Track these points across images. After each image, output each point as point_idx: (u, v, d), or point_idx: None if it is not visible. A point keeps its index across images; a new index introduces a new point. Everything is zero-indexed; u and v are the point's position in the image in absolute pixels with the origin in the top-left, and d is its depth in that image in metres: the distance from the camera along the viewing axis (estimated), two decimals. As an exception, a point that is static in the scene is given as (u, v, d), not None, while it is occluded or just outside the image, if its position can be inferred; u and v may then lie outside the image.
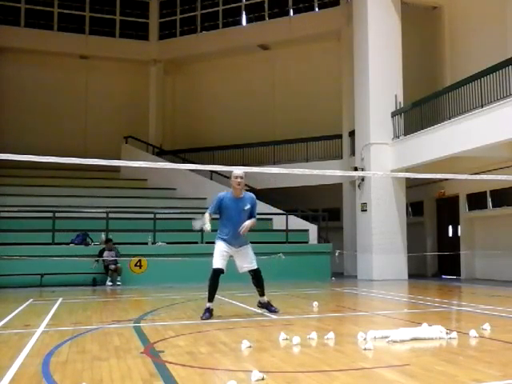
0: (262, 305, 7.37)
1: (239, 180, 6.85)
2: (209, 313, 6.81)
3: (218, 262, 6.85)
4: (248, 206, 6.95)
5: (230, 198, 6.94)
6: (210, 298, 6.87)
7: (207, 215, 6.91)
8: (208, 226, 6.78)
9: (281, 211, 17.66)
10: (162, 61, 23.63)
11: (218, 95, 23.16)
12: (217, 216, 7.08)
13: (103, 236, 14.79)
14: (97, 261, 13.94)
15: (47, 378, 3.77)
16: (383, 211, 15.32)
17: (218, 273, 6.85)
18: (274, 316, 6.97)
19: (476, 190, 15.22)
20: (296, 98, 21.53)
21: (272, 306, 7.30)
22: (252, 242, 7.29)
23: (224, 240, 6.93)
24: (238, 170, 6.92)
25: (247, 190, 7.61)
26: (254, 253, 7.19)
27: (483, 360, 4.19)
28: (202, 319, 6.68)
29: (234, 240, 6.93)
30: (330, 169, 17.62)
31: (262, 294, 7.29)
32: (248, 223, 6.87)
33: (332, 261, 16.07)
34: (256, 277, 7.14)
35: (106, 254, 13.94)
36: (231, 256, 7.05)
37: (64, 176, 19.29)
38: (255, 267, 7.10)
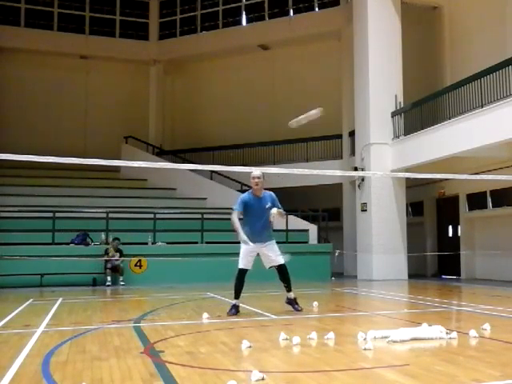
0: (288, 300, 7.52)
1: (256, 180, 7.19)
2: (235, 309, 7.08)
3: (243, 262, 7.15)
4: (269, 204, 7.24)
5: (251, 198, 7.27)
6: (236, 296, 7.17)
7: (235, 216, 7.09)
8: (244, 237, 7.00)
9: (281, 211, 17.63)
10: (161, 61, 23.62)
11: (218, 95, 23.15)
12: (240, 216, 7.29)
13: (103, 236, 14.79)
14: (107, 261, 13.85)
15: (47, 378, 3.77)
16: (383, 211, 15.31)
17: (242, 272, 7.15)
18: (273, 316, 6.98)
19: (476, 189, 15.21)
20: (296, 97, 21.48)
21: (297, 304, 7.45)
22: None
23: (249, 239, 7.10)
24: (255, 171, 7.22)
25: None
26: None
27: (483, 360, 4.19)
28: (229, 315, 6.90)
29: (259, 237, 7.19)
30: (330, 169, 17.62)
31: (289, 289, 7.45)
32: (275, 210, 7.09)
33: (332, 261, 16.07)
34: (281, 272, 7.34)
35: (110, 249, 13.90)
36: (257, 254, 7.28)
37: (64, 176, 19.26)
38: (280, 262, 7.31)
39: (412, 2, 16.62)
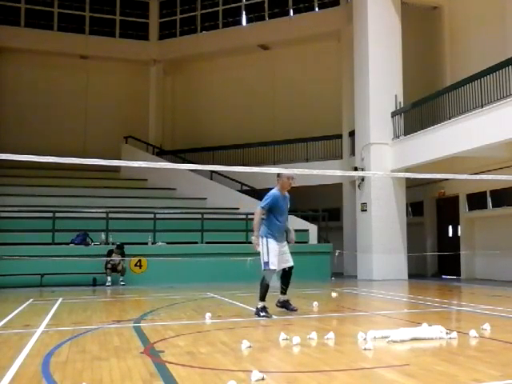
0: (281, 303, 7.50)
1: (291, 181, 7.21)
2: (267, 311, 6.97)
3: (275, 263, 7.05)
4: (289, 204, 7.42)
5: (280, 195, 7.26)
6: (264, 298, 7.02)
7: (259, 215, 7.13)
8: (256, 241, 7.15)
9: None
10: (161, 61, 23.63)
11: (218, 95, 23.16)
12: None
13: (103, 236, 14.79)
14: (108, 262, 13.82)
15: (47, 378, 3.77)
16: (383, 211, 15.31)
17: (274, 273, 7.10)
18: (274, 316, 6.97)
19: (476, 190, 15.21)
20: (296, 97, 21.53)
21: (290, 304, 7.45)
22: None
23: (275, 238, 7.15)
24: (291, 172, 7.34)
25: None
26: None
27: (483, 360, 4.19)
28: (268, 317, 6.79)
29: (281, 236, 7.30)
30: (330, 169, 17.63)
31: (284, 292, 7.47)
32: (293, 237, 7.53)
33: (332, 261, 16.07)
34: (289, 274, 7.39)
35: (114, 255, 13.87)
36: None
37: (64, 176, 19.27)
38: (292, 264, 7.37)
39: (412, 1, 16.63)
